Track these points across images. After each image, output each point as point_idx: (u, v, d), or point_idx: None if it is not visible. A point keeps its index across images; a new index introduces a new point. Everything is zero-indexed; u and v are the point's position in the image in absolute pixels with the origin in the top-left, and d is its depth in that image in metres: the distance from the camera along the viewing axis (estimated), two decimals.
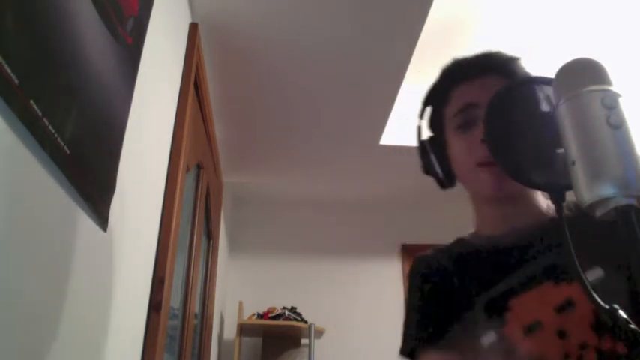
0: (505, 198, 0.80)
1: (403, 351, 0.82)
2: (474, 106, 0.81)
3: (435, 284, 0.83)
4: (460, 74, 0.85)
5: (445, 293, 0.80)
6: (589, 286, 0.49)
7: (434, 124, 0.89)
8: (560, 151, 0.51)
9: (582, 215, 0.77)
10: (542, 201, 0.83)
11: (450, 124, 0.84)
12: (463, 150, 0.82)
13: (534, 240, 0.78)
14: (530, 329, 0.70)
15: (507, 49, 0.86)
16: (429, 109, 0.90)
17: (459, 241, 0.88)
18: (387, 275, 3.50)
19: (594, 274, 0.70)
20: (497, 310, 0.73)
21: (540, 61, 1.13)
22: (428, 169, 0.89)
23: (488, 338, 0.71)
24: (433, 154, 0.87)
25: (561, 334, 0.68)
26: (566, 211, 0.77)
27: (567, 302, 0.70)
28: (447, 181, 0.87)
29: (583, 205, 0.47)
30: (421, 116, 0.90)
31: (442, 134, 0.86)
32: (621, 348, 0.66)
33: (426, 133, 0.90)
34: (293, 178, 3.31)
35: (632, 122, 0.48)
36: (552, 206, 0.82)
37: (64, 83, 0.73)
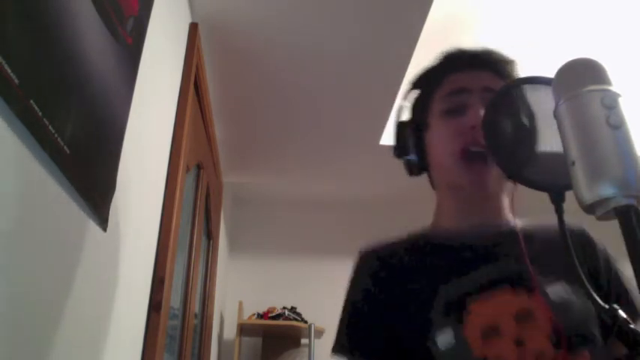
0: (479, 195, 0.80)
1: (334, 349, 0.80)
2: (464, 92, 0.80)
3: (379, 286, 0.79)
4: (459, 62, 0.85)
5: (390, 293, 0.77)
6: (589, 286, 0.49)
7: (417, 107, 0.88)
8: (560, 151, 0.51)
9: (540, 230, 0.78)
10: (507, 203, 0.82)
11: (437, 107, 0.83)
12: (448, 135, 0.80)
13: (498, 242, 0.77)
14: (488, 334, 0.69)
15: (508, 49, 0.86)
16: (415, 92, 0.89)
17: (415, 235, 0.86)
18: None
19: (556, 289, 0.71)
20: (456, 310, 0.71)
21: (540, 61, 1.13)
22: (401, 152, 0.87)
23: (445, 338, 0.70)
24: (411, 137, 0.85)
25: (518, 342, 0.68)
26: (527, 226, 0.78)
27: (527, 312, 0.69)
28: (418, 167, 0.85)
29: (583, 205, 0.47)
30: (405, 97, 0.89)
31: (425, 117, 0.85)
32: None
33: (406, 115, 0.89)
34: (293, 178, 3.31)
35: (632, 122, 0.48)
36: (514, 209, 0.82)
37: (64, 83, 0.73)
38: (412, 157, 0.84)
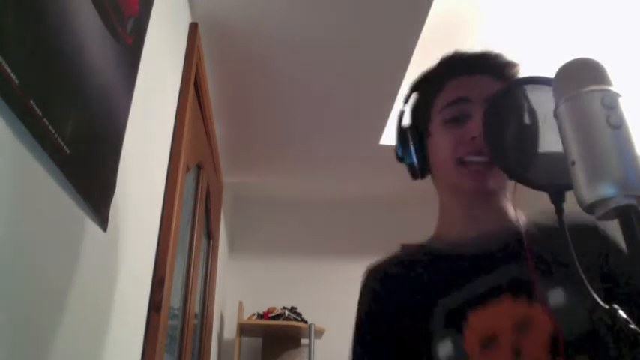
0: (481, 195, 0.79)
1: None
2: (465, 101, 0.79)
3: (385, 302, 0.81)
4: (459, 67, 0.84)
5: (393, 307, 0.79)
6: (589, 286, 0.49)
7: (418, 112, 0.88)
8: (560, 151, 0.51)
9: (545, 227, 0.77)
10: (510, 206, 0.82)
11: (438, 116, 0.83)
12: (449, 145, 0.80)
13: (499, 250, 0.76)
14: (487, 344, 0.69)
15: (508, 49, 0.85)
16: (415, 96, 0.89)
17: (418, 247, 0.86)
18: None
19: (559, 292, 0.70)
20: (455, 320, 0.72)
21: (540, 61, 1.13)
22: (403, 157, 0.87)
23: (445, 349, 0.70)
24: (413, 143, 0.85)
25: (516, 352, 0.67)
26: (531, 229, 0.77)
27: (526, 320, 0.69)
28: (420, 171, 0.85)
29: (583, 205, 0.47)
30: (406, 101, 0.89)
31: (427, 125, 0.85)
32: None
33: (408, 120, 0.88)
34: (293, 178, 3.31)
35: (632, 122, 0.48)
36: (520, 213, 0.81)
37: (64, 83, 0.73)
38: (415, 162, 0.85)
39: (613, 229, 0.76)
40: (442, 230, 0.86)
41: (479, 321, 0.70)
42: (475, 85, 0.80)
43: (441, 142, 0.82)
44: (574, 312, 0.69)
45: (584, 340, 0.68)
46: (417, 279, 0.80)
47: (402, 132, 0.88)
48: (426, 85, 0.88)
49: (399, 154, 0.88)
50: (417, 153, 0.84)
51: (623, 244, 0.44)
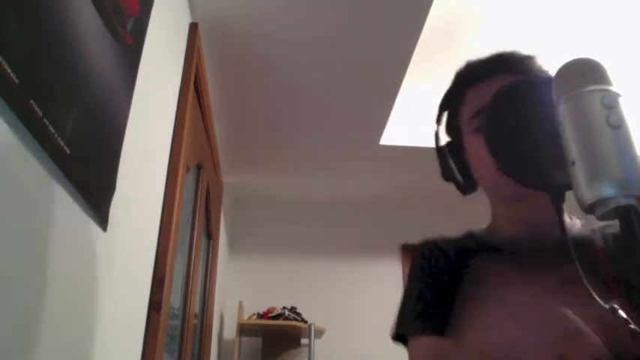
0: (524, 198, 0.79)
1: (395, 335, 0.81)
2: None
3: (439, 271, 0.81)
4: (473, 76, 0.85)
5: (448, 282, 0.79)
6: (588, 286, 0.49)
7: (451, 129, 0.89)
8: (560, 151, 0.51)
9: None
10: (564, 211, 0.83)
11: (468, 127, 0.84)
12: (482, 154, 0.79)
13: (547, 246, 0.76)
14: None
15: (508, 49, 0.86)
16: (445, 114, 0.89)
17: (471, 235, 0.87)
18: (387, 275, 3.49)
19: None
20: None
21: (540, 61, 1.13)
22: (447, 175, 0.87)
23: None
24: (452, 160, 0.86)
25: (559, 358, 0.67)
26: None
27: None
28: (467, 186, 0.86)
29: (583, 205, 0.47)
30: (438, 121, 0.89)
31: (459, 138, 0.86)
32: None
33: (444, 139, 0.89)
34: (293, 178, 3.31)
35: (632, 122, 0.48)
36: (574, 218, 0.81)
37: (64, 83, 0.73)
38: (458, 179, 0.85)
39: None
40: (492, 225, 0.87)
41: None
42: (494, 88, 0.80)
43: (475, 152, 0.82)
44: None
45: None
46: (468, 263, 0.80)
47: (440, 151, 0.88)
48: (449, 101, 0.89)
49: (443, 174, 0.88)
50: (458, 168, 0.85)
51: None
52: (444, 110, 0.90)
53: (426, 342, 0.77)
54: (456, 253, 0.82)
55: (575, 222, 0.82)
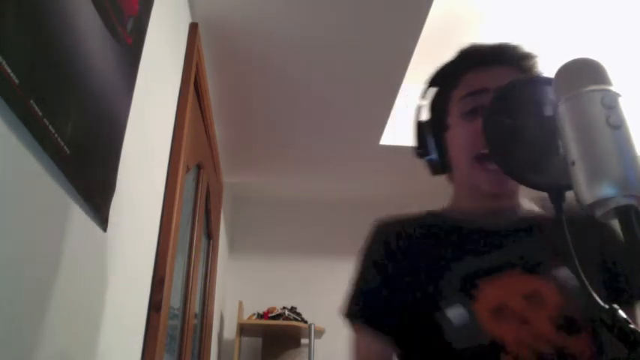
0: (499, 195, 0.81)
1: (346, 314, 0.83)
2: (484, 92, 0.79)
3: (391, 256, 0.81)
4: (476, 59, 0.84)
5: (401, 264, 0.79)
6: (588, 286, 0.49)
7: (436, 107, 0.87)
8: (560, 151, 0.51)
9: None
10: (526, 202, 0.84)
11: (456, 108, 0.82)
12: (467, 137, 0.79)
13: (512, 226, 0.79)
14: (496, 311, 0.71)
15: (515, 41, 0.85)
16: (432, 90, 0.88)
17: (433, 214, 0.87)
18: None
19: (565, 272, 0.72)
20: (467, 287, 0.74)
21: (540, 61, 1.13)
22: (422, 152, 0.86)
23: (456, 313, 0.72)
24: (431, 137, 0.84)
25: (524, 322, 0.70)
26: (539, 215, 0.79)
27: (535, 294, 0.72)
28: (440, 166, 0.85)
29: (583, 205, 0.47)
30: (423, 96, 0.88)
31: (445, 118, 0.84)
32: (574, 346, 0.68)
33: (426, 115, 0.87)
34: (293, 178, 3.31)
35: (632, 122, 0.48)
36: (535, 207, 0.83)
37: (64, 83, 0.73)
38: (434, 157, 0.84)
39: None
40: (456, 203, 0.87)
41: (490, 290, 0.73)
42: (494, 77, 0.79)
43: (460, 135, 0.81)
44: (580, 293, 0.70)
45: (589, 318, 0.70)
46: (427, 241, 0.81)
47: (419, 127, 0.87)
48: (444, 78, 0.87)
49: (418, 149, 0.87)
50: (435, 148, 0.84)
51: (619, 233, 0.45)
52: (433, 86, 0.88)
53: (360, 339, 0.81)
54: (410, 235, 0.83)
55: (531, 206, 0.84)
